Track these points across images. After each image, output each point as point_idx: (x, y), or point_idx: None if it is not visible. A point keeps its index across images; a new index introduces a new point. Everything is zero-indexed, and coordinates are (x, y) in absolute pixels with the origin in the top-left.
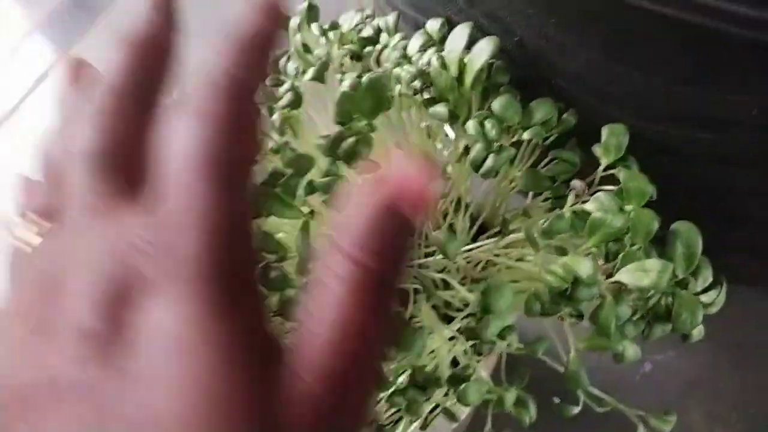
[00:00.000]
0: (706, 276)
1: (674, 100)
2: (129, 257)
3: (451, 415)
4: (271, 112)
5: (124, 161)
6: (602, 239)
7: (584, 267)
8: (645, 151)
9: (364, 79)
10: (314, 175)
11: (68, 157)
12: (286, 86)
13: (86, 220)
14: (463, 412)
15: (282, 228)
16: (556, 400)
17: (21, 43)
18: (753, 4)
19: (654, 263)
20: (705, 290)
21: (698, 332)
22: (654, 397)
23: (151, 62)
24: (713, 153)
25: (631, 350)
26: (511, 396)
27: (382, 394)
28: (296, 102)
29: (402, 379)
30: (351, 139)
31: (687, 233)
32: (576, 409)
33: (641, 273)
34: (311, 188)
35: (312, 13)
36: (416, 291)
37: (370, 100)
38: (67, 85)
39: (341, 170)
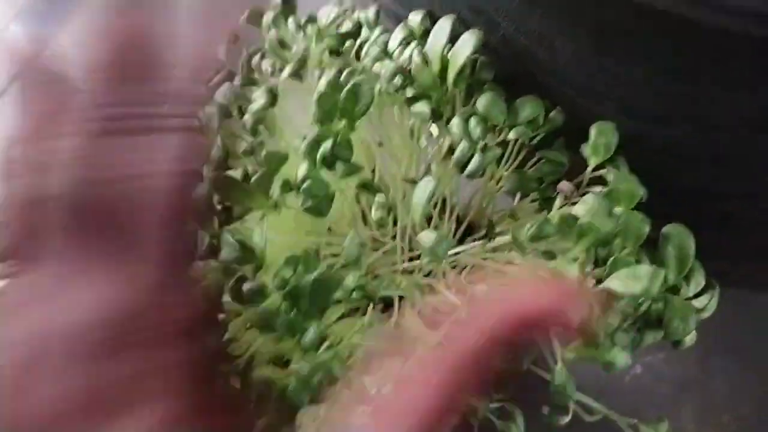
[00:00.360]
0: (699, 280)
1: (664, 98)
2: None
3: None
4: (241, 112)
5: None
6: (591, 244)
7: (572, 274)
8: (635, 152)
9: (345, 78)
10: (290, 175)
11: (46, 197)
12: (261, 87)
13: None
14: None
15: (254, 234)
16: (545, 410)
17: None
18: None
19: (645, 269)
20: (697, 295)
21: (690, 338)
22: (644, 400)
23: (133, 60)
24: (704, 153)
25: (620, 359)
26: (483, 406)
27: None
28: (271, 102)
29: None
30: (330, 142)
31: (679, 236)
32: (566, 419)
33: (632, 280)
34: (287, 187)
35: (288, 7)
36: (401, 298)
37: (352, 102)
38: (30, 71)
39: (321, 174)
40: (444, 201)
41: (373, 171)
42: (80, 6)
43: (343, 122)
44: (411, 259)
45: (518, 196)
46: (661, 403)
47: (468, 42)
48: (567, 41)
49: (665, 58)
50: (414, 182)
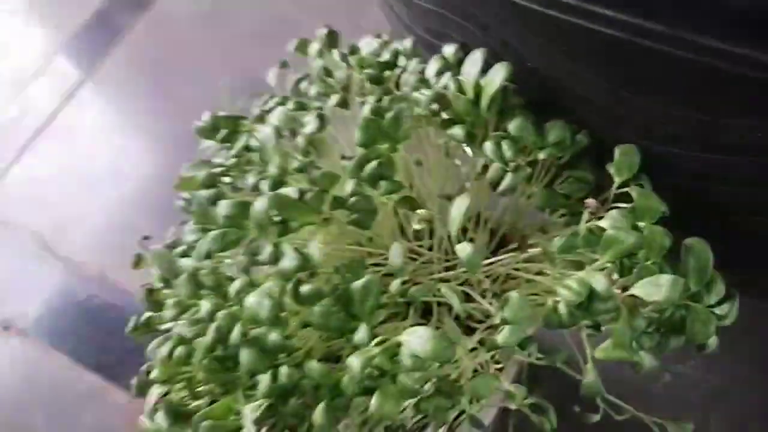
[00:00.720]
0: (719, 290)
1: (681, 124)
2: None
3: (475, 422)
4: (293, 134)
5: None
6: (617, 255)
7: (599, 282)
8: (656, 171)
9: (387, 105)
10: (339, 191)
11: None
12: (312, 112)
13: None
14: (487, 418)
15: (310, 246)
16: (576, 408)
17: (45, 63)
18: (754, 47)
19: (667, 278)
20: (719, 303)
21: (713, 342)
22: (673, 408)
23: None
24: (722, 173)
25: (647, 360)
26: (521, 393)
27: (409, 401)
28: (322, 126)
29: (428, 386)
30: (374, 162)
31: (698, 248)
32: (595, 417)
33: (655, 287)
34: (337, 203)
35: (332, 39)
36: (439, 304)
37: (395, 126)
38: None
39: (366, 191)
40: (478, 215)
41: (411, 187)
42: (123, 35)
43: (386, 144)
44: (447, 269)
45: (547, 211)
46: (690, 410)
47: (499, 71)
48: (588, 73)
49: (680, 90)
50: (450, 198)
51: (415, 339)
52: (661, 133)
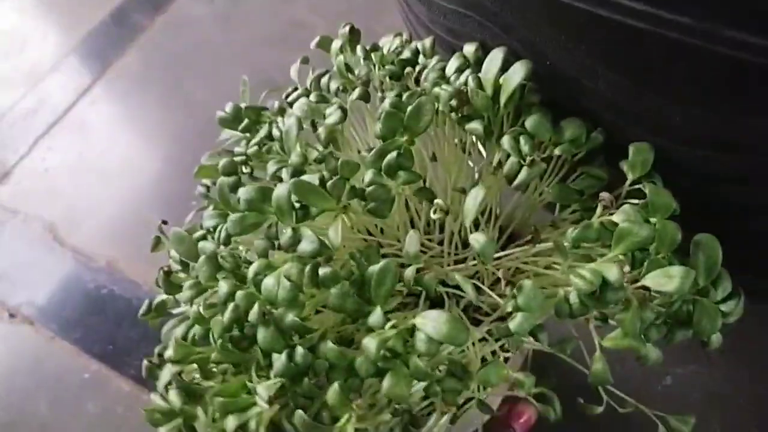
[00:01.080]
0: (726, 286)
1: (695, 122)
2: None
3: (484, 406)
4: (314, 126)
5: None
6: (629, 248)
7: (612, 272)
8: (669, 169)
9: (407, 99)
10: (357, 181)
11: None
12: (333, 105)
13: None
14: (495, 402)
15: (330, 231)
16: (581, 400)
17: (62, 59)
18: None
19: (678, 270)
20: (724, 300)
21: (717, 340)
22: (674, 408)
23: None
24: (733, 172)
25: (653, 353)
26: (530, 381)
27: (419, 384)
28: (343, 117)
29: (439, 370)
30: (394, 153)
31: (708, 244)
32: (599, 409)
33: (665, 278)
34: (354, 193)
35: (354, 37)
36: (448, 295)
37: (415, 119)
38: None
39: (384, 180)
40: (490, 210)
41: (424, 182)
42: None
43: (406, 136)
44: (456, 263)
45: (558, 208)
46: (691, 412)
47: (519, 71)
48: (606, 71)
49: (694, 88)
50: (463, 191)
51: (430, 322)
52: (676, 133)
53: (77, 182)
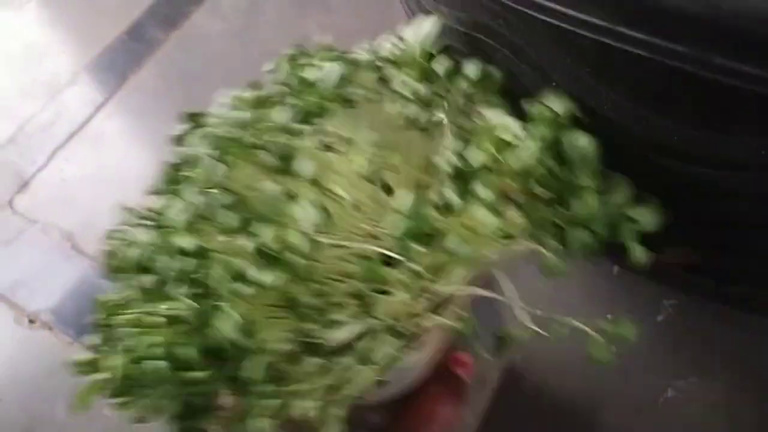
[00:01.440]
0: (624, 191)
1: (691, 141)
2: None
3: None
4: None
5: None
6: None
7: None
8: (672, 186)
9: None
10: None
11: None
12: None
13: None
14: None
15: None
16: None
17: (80, 71)
18: (761, 65)
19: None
20: (629, 207)
21: (640, 253)
22: (676, 421)
23: None
24: (727, 189)
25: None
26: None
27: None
28: None
29: None
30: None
31: (582, 143)
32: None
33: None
34: None
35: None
36: None
37: None
38: None
39: None
40: None
41: None
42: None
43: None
44: None
45: None
46: (691, 424)
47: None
48: (608, 91)
49: (689, 108)
50: None
51: None
52: (673, 150)
53: (94, 192)
